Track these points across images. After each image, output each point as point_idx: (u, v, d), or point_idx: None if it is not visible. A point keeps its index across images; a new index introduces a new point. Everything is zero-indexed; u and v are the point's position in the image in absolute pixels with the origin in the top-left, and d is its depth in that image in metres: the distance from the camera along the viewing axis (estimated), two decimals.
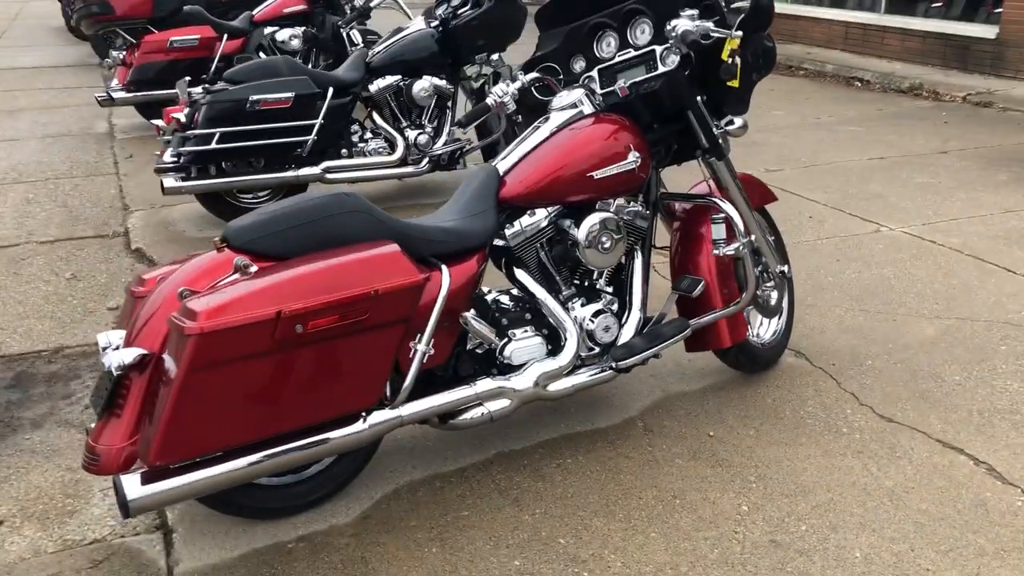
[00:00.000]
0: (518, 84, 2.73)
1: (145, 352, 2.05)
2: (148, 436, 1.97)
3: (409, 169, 4.77)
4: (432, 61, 4.81)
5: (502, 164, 2.57)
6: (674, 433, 2.71)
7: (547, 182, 2.50)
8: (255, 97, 4.19)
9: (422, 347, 2.22)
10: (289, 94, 4.27)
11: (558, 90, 2.77)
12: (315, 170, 4.50)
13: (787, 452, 2.60)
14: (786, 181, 5.23)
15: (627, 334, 2.61)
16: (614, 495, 2.43)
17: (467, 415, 2.37)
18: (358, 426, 2.18)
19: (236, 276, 2.08)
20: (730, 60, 2.41)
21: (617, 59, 2.70)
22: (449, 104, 4.90)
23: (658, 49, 2.61)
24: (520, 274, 2.55)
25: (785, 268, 3.00)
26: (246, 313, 1.93)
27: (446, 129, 4.86)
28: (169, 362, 1.96)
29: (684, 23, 2.43)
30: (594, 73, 2.75)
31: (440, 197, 5.07)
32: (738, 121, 2.72)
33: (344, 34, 6.41)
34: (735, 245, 2.66)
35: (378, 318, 2.09)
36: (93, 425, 2.08)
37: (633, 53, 2.67)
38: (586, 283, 2.66)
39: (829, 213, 4.69)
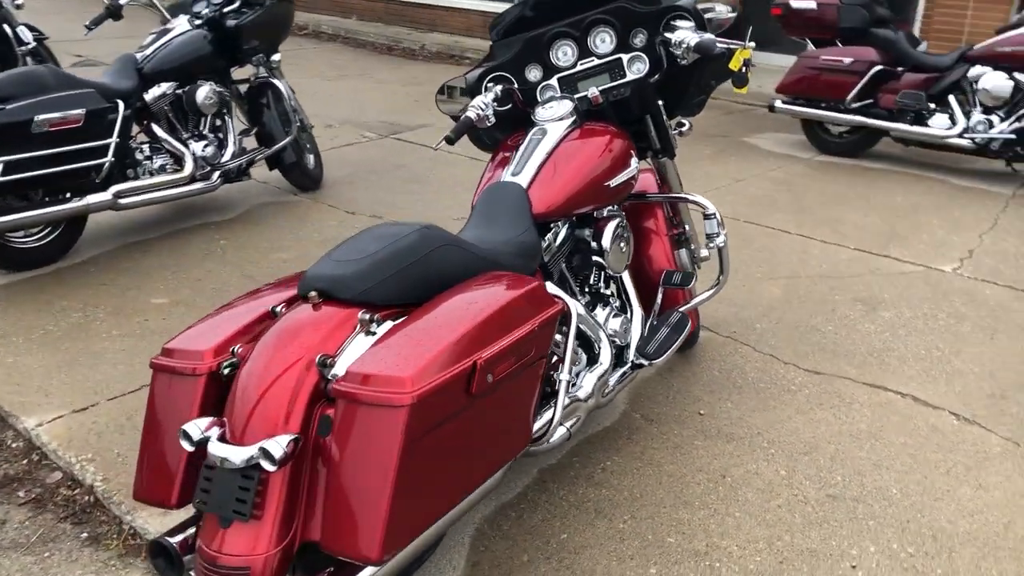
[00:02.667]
0: (492, 96, 2.68)
1: (297, 436, 1.77)
2: (353, 530, 1.71)
3: (200, 185, 4.30)
4: (208, 65, 4.36)
5: (520, 179, 2.52)
6: (670, 417, 2.89)
7: (574, 195, 2.51)
8: (41, 117, 3.50)
9: (566, 376, 2.16)
10: (79, 110, 3.63)
11: (518, 100, 2.76)
12: (105, 196, 3.89)
13: (769, 416, 2.91)
14: None
15: (636, 332, 2.73)
16: (674, 487, 2.55)
17: (554, 436, 2.33)
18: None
19: (365, 332, 1.87)
20: (743, 69, 2.61)
21: (579, 68, 2.76)
22: (226, 111, 4.48)
23: (624, 57, 2.72)
24: (552, 289, 2.54)
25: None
26: (448, 370, 1.76)
27: (232, 139, 4.45)
28: (355, 442, 1.72)
29: (690, 35, 2.57)
30: (554, 82, 2.78)
31: (231, 212, 4.63)
32: (687, 123, 2.94)
33: (10, 33, 5.52)
34: (721, 237, 2.89)
35: (536, 354, 2.01)
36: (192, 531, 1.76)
37: (596, 61, 2.75)
38: (593, 290, 2.72)
39: None
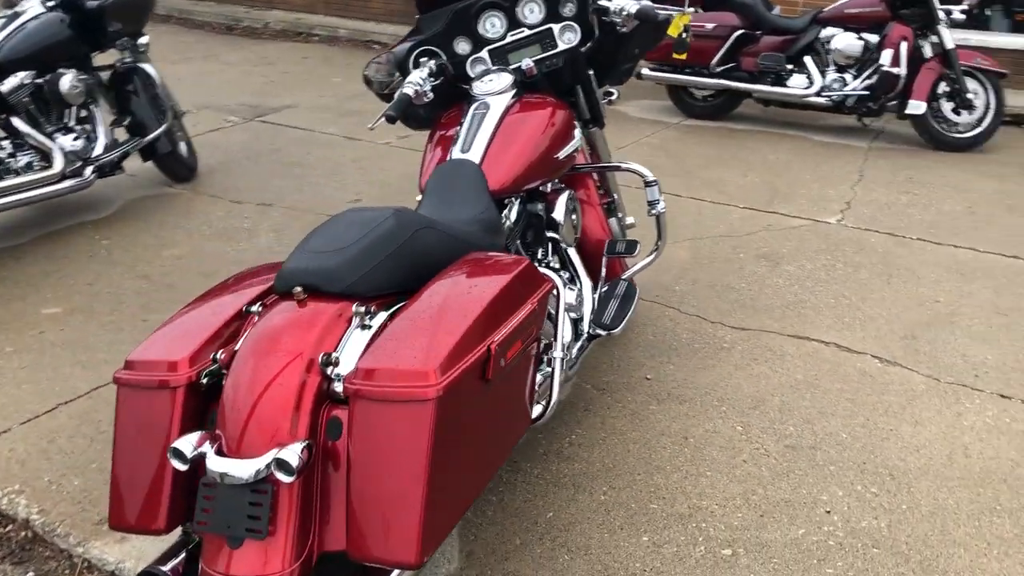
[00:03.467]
0: (426, 71, 2.59)
1: (310, 442, 1.66)
2: (386, 535, 1.62)
3: (72, 183, 3.97)
4: (67, 51, 4.01)
5: (471, 156, 2.45)
6: (620, 385, 2.91)
7: (527, 169, 2.47)
8: None
9: (560, 353, 2.12)
10: None
11: (449, 75, 2.69)
12: None
13: (711, 375, 2.98)
14: None
15: (588, 304, 2.72)
16: (643, 453, 2.58)
17: (549, 409, 2.30)
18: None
19: (360, 326, 1.78)
20: (683, 35, 2.62)
21: (509, 39, 2.71)
22: (92, 101, 4.14)
23: (555, 27, 2.69)
24: None
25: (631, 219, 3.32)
26: (467, 358, 1.69)
27: (102, 130, 4.12)
28: (377, 442, 1.63)
29: (630, 2, 2.55)
30: (484, 54, 2.72)
31: (107, 209, 4.29)
32: (614, 92, 2.94)
33: None
34: (661, 203, 2.91)
35: (536, 333, 1.96)
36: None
37: (527, 32, 2.71)
38: (544, 264, 2.69)
39: None
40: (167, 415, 1.77)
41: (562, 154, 2.56)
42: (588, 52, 2.73)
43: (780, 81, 5.80)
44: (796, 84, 5.77)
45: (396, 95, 2.52)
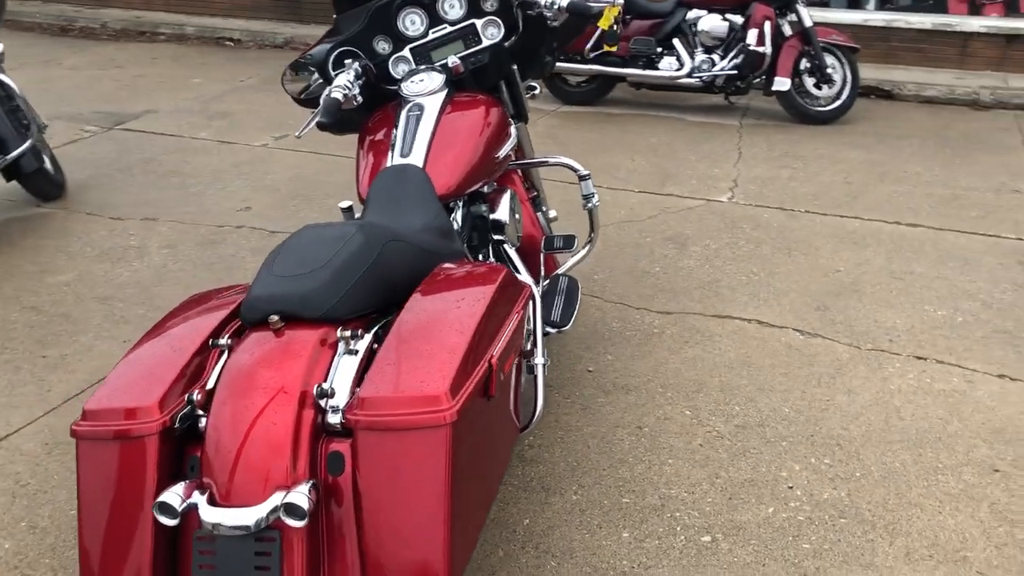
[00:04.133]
0: (352, 74, 2.49)
1: (315, 482, 1.58)
2: (410, 568, 1.55)
3: None
4: None
5: (413, 160, 2.37)
6: (564, 380, 2.91)
7: (472, 170, 2.41)
8: None
9: (541, 359, 2.08)
10: None
11: (372, 76, 2.59)
12: None
13: (649, 362, 3.02)
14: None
15: (537, 303, 2.69)
16: (603, 448, 2.58)
17: (535, 418, 2.26)
18: None
19: (347, 352, 1.70)
20: (614, 26, 2.61)
21: (431, 36, 2.64)
22: None
23: (478, 22, 2.64)
24: None
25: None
26: (472, 377, 1.64)
27: None
28: (389, 473, 1.55)
29: None
30: (406, 53, 2.64)
31: None
32: (536, 87, 2.91)
33: None
34: (596, 197, 2.89)
35: (520, 343, 1.92)
36: None
37: (449, 28, 2.64)
38: None
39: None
40: (142, 467, 1.63)
41: (501, 153, 2.51)
42: (512, 47, 2.68)
43: (651, 64, 5.92)
44: (667, 67, 5.91)
45: (323, 100, 2.41)
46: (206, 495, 1.55)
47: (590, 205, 2.86)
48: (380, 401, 1.56)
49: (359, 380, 1.68)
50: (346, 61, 2.53)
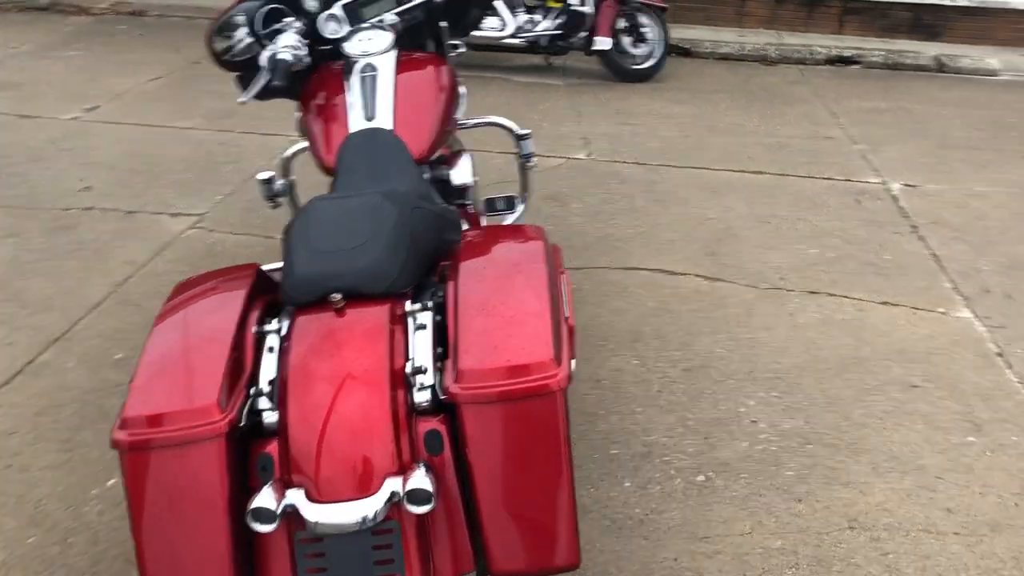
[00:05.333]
0: (297, 33, 2.34)
1: (427, 462, 1.51)
2: (539, 541, 1.52)
3: None
4: None
5: (380, 123, 2.25)
6: None
7: (439, 132, 2.33)
8: None
9: (567, 313, 2.06)
10: None
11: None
12: None
13: (581, 317, 3.07)
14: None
15: None
16: (571, 405, 2.61)
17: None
18: None
19: (417, 325, 1.63)
20: None
21: None
22: None
23: None
24: None
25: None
26: (564, 340, 1.62)
27: None
28: (503, 446, 1.51)
29: None
30: (337, 10, 2.50)
31: None
32: (461, 45, 2.85)
33: None
34: (535, 158, 2.86)
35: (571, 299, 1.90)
36: None
37: None
38: None
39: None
40: (212, 473, 1.48)
41: (459, 113, 2.45)
42: (442, 3, 2.61)
43: None
44: (491, 26, 5.90)
45: (271, 61, 2.26)
46: (302, 494, 1.43)
47: (530, 165, 2.85)
48: (485, 373, 1.50)
49: (437, 354, 1.60)
50: (284, 20, 2.36)
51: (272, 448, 1.52)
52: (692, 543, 2.12)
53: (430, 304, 1.65)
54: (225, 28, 2.42)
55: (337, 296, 1.60)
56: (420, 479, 1.43)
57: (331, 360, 1.53)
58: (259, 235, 3.52)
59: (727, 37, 7.25)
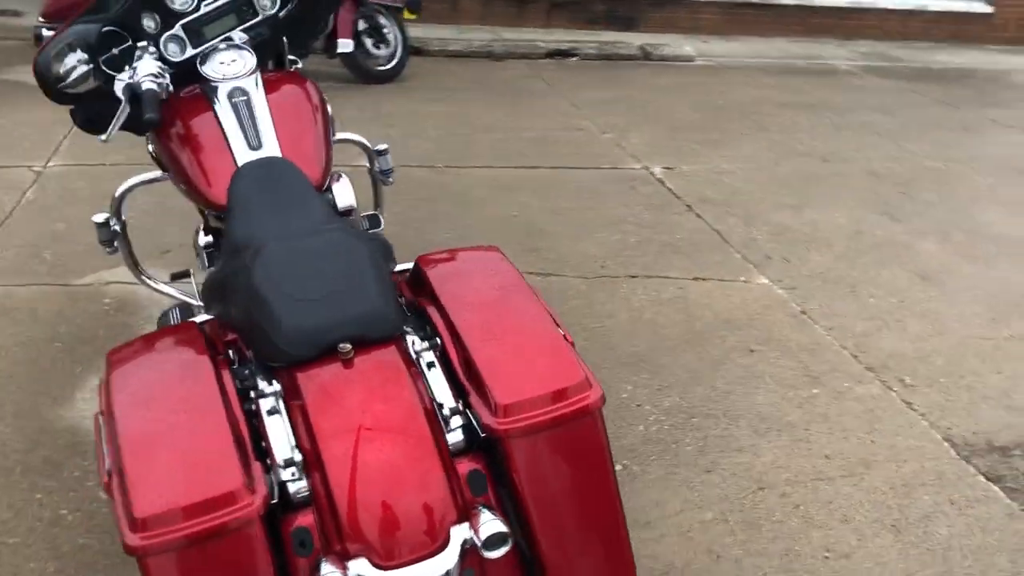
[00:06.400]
0: (156, 60, 2.14)
1: (484, 504, 1.49)
2: (594, 566, 1.53)
3: None
4: None
5: (266, 152, 2.11)
6: None
7: (328, 156, 2.23)
8: None
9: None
10: None
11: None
12: None
13: None
14: None
15: None
16: None
17: None
18: None
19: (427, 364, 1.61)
20: None
21: (204, 10, 2.34)
22: None
23: None
24: None
25: None
26: (578, 358, 1.65)
27: None
28: (550, 474, 1.51)
29: None
30: (179, 31, 2.31)
31: None
32: (299, 62, 2.72)
33: None
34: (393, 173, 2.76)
35: None
36: None
37: (221, 1, 2.37)
38: None
39: None
40: (254, 558, 1.36)
41: (335, 135, 2.35)
42: (286, 18, 2.48)
43: None
44: None
45: (128, 93, 2.07)
46: (366, 563, 1.35)
47: (389, 181, 2.77)
48: (524, 404, 1.49)
49: (454, 392, 1.56)
50: (125, 44, 2.15)
51: (306, 520, 1.40)
52: (638, 531, 2.22)
53: (437, 341, 1.60)
54: (58, 56, 2.14)
55: (347, 346, 1.50)
56: (493, 522, 1.39)
57: (359, 414, 1.44)
58: None
59: (448, 34, 7.43)
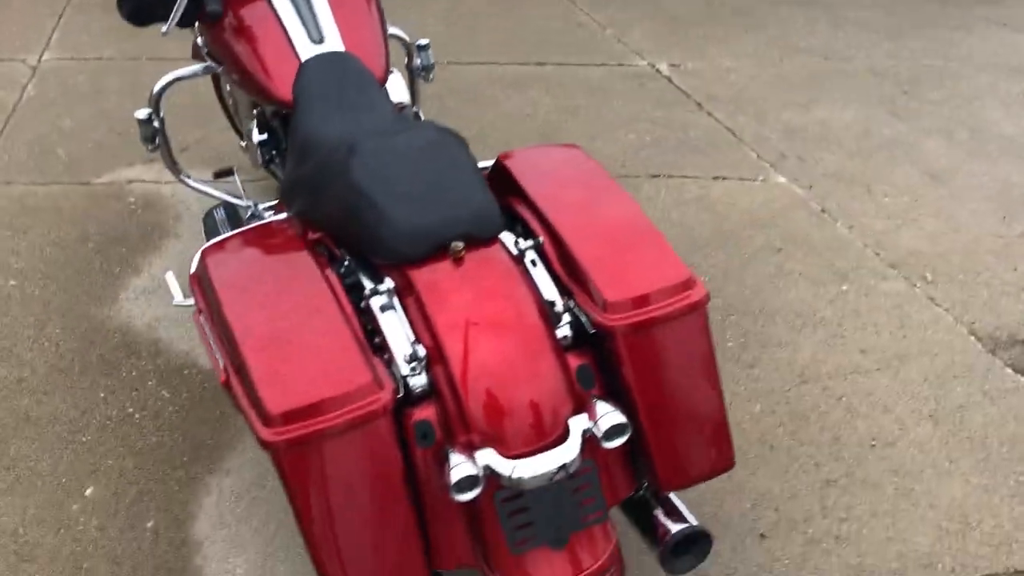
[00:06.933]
0: None
1: (598, 395, 1.54)
2: (700, 450, 1.60)
3: None
4: None
5: (330, 46, 2.06)
6: None
7: (386, 50, 2.19)
8: None
9: None
10: None
11: None
12: None
13: None
14: None
15: None
16: None
17: None
18: None
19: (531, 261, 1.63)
20: None
21: None
22: None
23: None
24: None
25: None
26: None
27: None
28: (660, 367, 1.55)
29: None
30: None
31: None
32: None
33: None
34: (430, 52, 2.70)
35: None
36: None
37: None
38: None
39: None
40: (386, 450, 1.40)
41: (388, 27, 2.30)
42: None
43: None
44: None
45: None
46: (492, 452, 1.39)
47: (430, 78, 2.73)
48: (634, 300, 1.52)
49: (560, 289, 1.59)
50: None
51: (427, 412, 1.44)
52: None
53: (541, 239, 1.61)
54: None
55: (460, 245, 1.52)
56: (614, 414, 1.44)
57: (476, 309, 1.46)
58: None
59: None
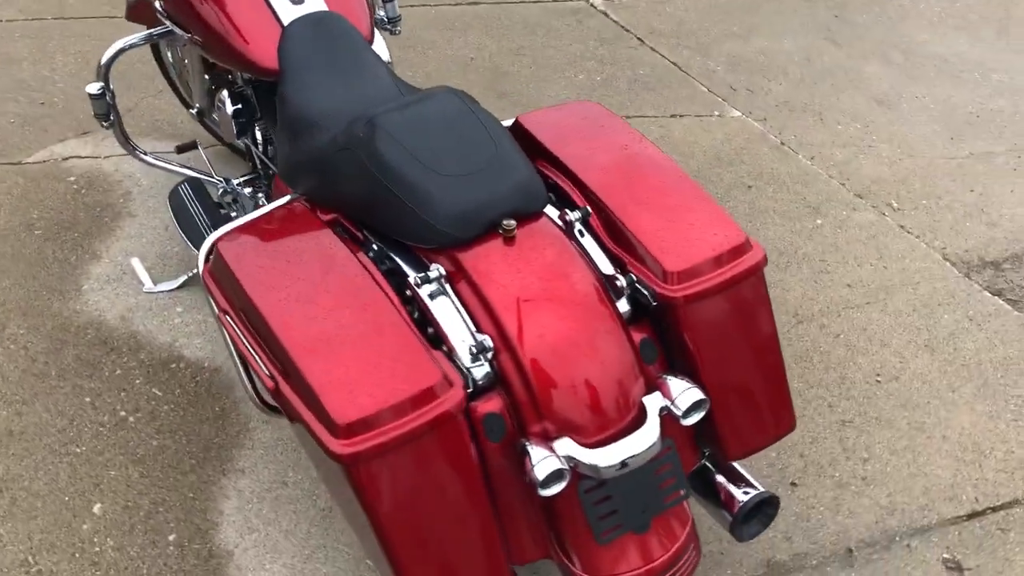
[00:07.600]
0: None
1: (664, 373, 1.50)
2: (764, 417, 1.58)
3: None
4: None
5: (312, 5, 1.92)
6: None
7: (372, 4, 2.06)
8: None
9: None
10: None
11: None
12: None
13: None
14: None
15: None
16: None
17: None
18: None
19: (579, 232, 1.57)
20: None
21: None
22: None
23: None
24: None
25: None
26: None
27: None
28: (724, 335, 1.52)
29: None
30: None
31: None
32: None
33: None
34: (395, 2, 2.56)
35: None
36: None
37: None
38: None
39: None
40: (462, 449, 1.33)
41: None
42: None
43: None
44: None
45: None
46: (571, 442, 1.34)
47: (396, 31, 2.58)
48: (693, 269, 1.48)
49: (612, 261, 1.53)
50: None
51: (494, 404, 1.37)
52: None
53: (588, 209, 1.54)
54: None
55: (512, 223, 1.43)
56: (692, 391, 1.39)
57: (539, 290, 1.39)
58: None
59: None
